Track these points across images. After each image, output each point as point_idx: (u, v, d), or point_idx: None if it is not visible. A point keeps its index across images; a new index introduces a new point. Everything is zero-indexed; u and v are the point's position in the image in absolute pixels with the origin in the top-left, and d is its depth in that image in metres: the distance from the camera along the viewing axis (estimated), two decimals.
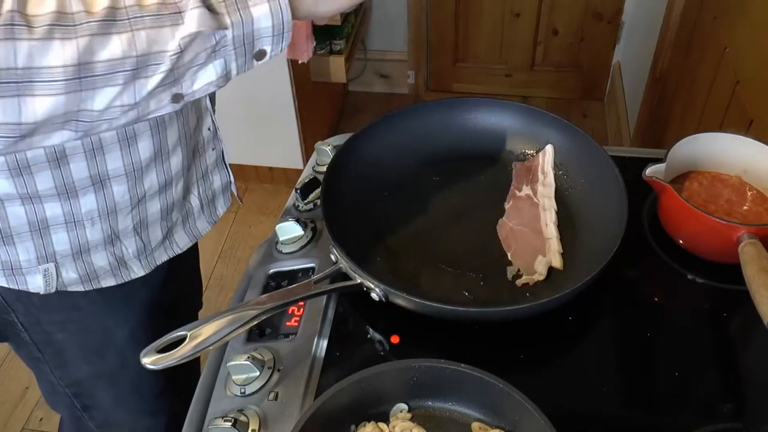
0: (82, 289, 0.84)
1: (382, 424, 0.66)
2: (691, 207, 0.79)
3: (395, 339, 0.76)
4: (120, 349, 0.95)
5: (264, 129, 2.26)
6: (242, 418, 0.68)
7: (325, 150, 0.96)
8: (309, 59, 0.76)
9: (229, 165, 0.96)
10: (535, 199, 0.88)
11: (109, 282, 0.85)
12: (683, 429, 0.67)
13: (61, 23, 0.50)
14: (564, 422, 0.59)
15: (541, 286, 0.79)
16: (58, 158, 0.71)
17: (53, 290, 0.81)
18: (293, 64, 2.06)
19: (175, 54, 0.54)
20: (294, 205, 0.94)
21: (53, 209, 0.75)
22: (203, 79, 0.58)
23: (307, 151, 2.31)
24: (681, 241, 0.84)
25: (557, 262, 0.81)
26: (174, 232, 0.90)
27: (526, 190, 0.89)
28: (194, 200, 0.91)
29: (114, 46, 0.52)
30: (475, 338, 0.76)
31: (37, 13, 0.50)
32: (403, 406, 0.67)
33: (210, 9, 0.54)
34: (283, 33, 0.58)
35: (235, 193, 1.01)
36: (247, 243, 2.28)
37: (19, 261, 0.78)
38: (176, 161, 0.82)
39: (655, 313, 0.79)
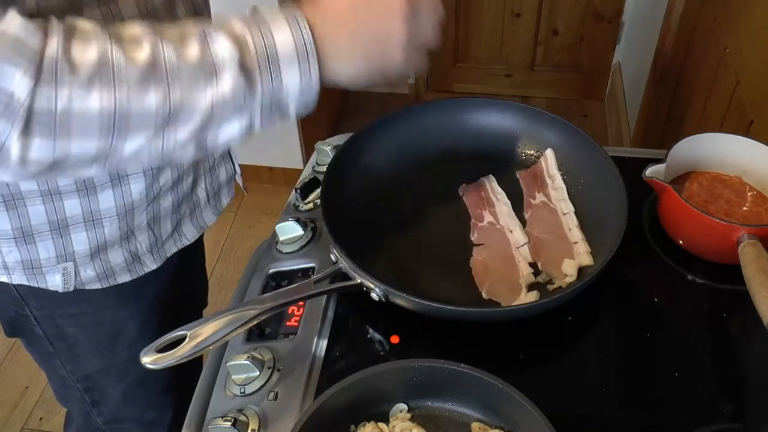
0: (99, 287, 0.85)
1: (381, 424, 0.66)
2: (691, 207, 0.79)
3: (395, 339, 0.76)
4: (130, 342, 0.96)
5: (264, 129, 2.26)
6: (242, 417, 0.68)
7: (325, 150, 0.96)
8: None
9: None
10: (552, 205, 0.87)
11: (124, 278, 0.87)
12: (683, 429, 0.67)
13: (102, 72, 0.52)
14: (564, 422, 0.59)
15: (542, 286, 0.79)
16: None
17: (71, 288, 0.83)
18: None
19: (206, 112, 0.57)
20: (294, 205, 0.94)
21: (73, 208, 0.77)
22: (227, 132, 0.60)
23: (307, 151, 2.31)
24: (681, 242, 0.84)
25: (588, 261, 0.80)
26: (182, 224, 0.91)
27: (540, 197, 0.88)
28: (201, 192, 0.92)
29: (149, 100, 0.54)
30: (475, 338, 0.76)
31: (81, 60, 0.52)
32: (403, 406, 0.67)
33: (243, 68, 0.56)
34: (309, 102, 0.64)
35: (241, 184, 1.03)
36: (247, 243, 2.28)
37: (39, 260, 0.79)
38: None
39: (655, 314, 0.79)
